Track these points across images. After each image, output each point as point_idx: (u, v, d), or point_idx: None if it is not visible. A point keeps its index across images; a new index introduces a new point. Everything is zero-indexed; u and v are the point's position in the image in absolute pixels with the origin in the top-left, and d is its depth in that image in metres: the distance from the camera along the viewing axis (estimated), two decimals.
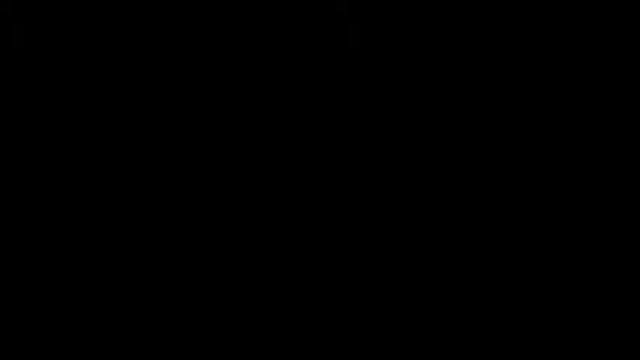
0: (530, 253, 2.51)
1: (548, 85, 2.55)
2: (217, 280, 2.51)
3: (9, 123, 2.53)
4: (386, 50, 2.53)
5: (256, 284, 2.51)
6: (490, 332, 2.48)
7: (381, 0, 2.56)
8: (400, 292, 2.50)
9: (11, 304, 2.48)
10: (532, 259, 2.51)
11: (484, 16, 2.55)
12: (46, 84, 2.55)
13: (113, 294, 2.49)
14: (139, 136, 2.54)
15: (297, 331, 2.49)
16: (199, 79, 2.55)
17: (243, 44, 2.56)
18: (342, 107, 2.55)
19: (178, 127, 2.54)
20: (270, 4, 2.56)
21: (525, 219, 2.52)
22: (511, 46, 2.55)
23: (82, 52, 2.56)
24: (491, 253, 2.51)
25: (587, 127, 2.54)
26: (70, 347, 2.48)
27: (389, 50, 2.53)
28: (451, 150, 2.53)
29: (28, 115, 2.54)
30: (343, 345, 2.49)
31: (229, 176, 2.53)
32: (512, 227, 2.52)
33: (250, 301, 2.50)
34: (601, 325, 2.47)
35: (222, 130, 2.54)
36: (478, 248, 2.51)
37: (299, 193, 2.53)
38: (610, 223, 2.51)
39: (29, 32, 2.52)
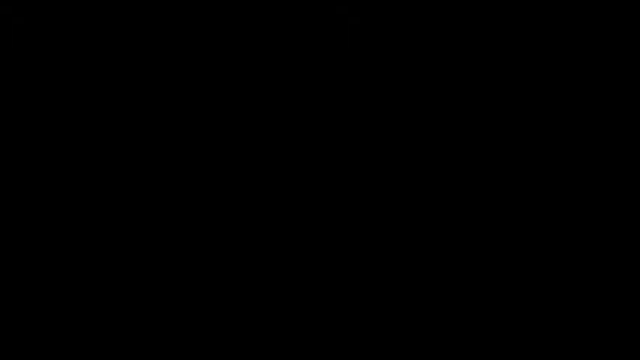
0: (530, 252, 2.51)
1: (546, 73, 2.55)
2: (217, 280, 2.51)
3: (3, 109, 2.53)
4: (385, 26, 2.52)
5: (256, 284, 2.51)
6: (490, 332, 2.48)
7: None
8: (400, 291, 2.50)
9: (11, 304, 2.48)
10: (532, 259, 2.51)
11: None
12: (44, 66, 2.54)
13: (113, 294, 2.49)
14: (136, 131, 2.54)
15: (297, 331, 2.49)
16: (190, 52, 2.55)
17: (239, 23, 2.55)
18: (337, 83, 2.54)
19: (175, 105, 2.54)
20: None
21: (523, 214, 2.52)
22: (506, 26, 2.55)
23: (80, 41, 2.55)
24: (489, 248, 2.51)
25: (583, 127, 2.54)
26: (70, 347, 2.47)
27: (388, 26, 2.52)
28: (451, 131, 2.53)
29: (23, 103, 2.54)
30: (343, 345, 2.49)
31: (222, 155, 2.53)
32: (509, 221, 2.52)
33: (250, 301, 2.50)
34: (601, 325, 2.47)
35: (217, 108, 2.54)
36: (474, 240, 2.51)
37: (295, 170, 2.52)
38: (610, 223, 2.51)
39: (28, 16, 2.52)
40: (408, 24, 2.57)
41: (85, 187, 2.52)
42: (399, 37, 2.56)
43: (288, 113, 2.55)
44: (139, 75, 2.56)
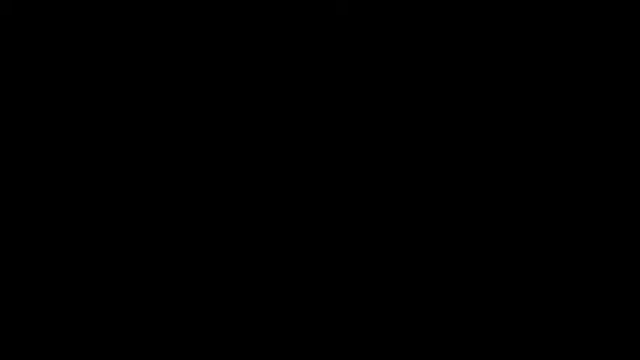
0: (530, 253, 2.51)
1: (540, 67, 2.55)
2: (217, 280, 2.51)
3: None
4: (374, 17, 2.51)
5: (256, 284, 2.51)
6: (490, 332, 2.48)
7: None
8: (399, 291, 2.50)
9: (11, 304, 2.48)
10: (532, 259, 2.51)
11: None
12: (34, 54, 2.55)
13: (113, 294, 2.49)
14: (135, 130, 2.54)
15: (297, 331, 2.49)
16: (189, 51, 2.55)
17: (228, 13, 2.55)
18: (330, 75, 2.53)
19: (173, 103, 2.54)
20: None
21: (523, 214, 2.52)
22: (498, 20, 2.55)
23: (73, 24, 2.55)
24: (489, 248, 2.51)
25: (583, 127, 2.54)
26: (70, 347, 2.48)
27: (378, 17, 2.51)
28: (439, 119, 2.52)
29: (15, 88, 2.54)
30: (342, 345, 2.49)
31: (220, 154, 2.53)
32: (509, 221, 2.52)
33: (250, 301, 2.51)
34: (601, 325, 2.47)
35: (215, 107, 2.54)
36: (474, 239, 2.51)
37: (286, 161, 2.52)
38: (610, 223, 2.51)
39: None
40: (407, 22, 2.56)
41: (84, 187, 2.53)
42: (389, 5, 2.55)
43: (273, 82, 2.54)
44: (138, 74, 2.56)
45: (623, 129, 2.53)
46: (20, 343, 2.47)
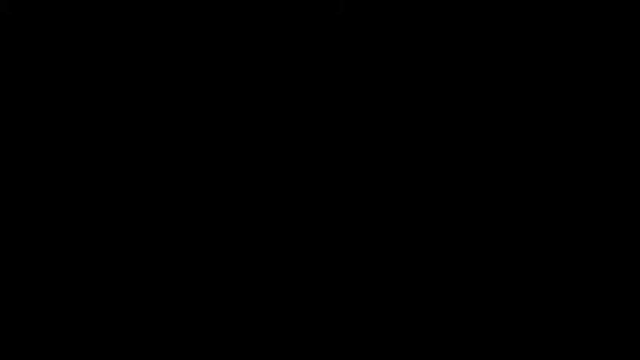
0: (529, 252, 2.50)
1: (541, 68, 2.54)
2: (217, 280, 2.51)
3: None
4: (375, 17, 2.51)
5: (255, 284, 2.51)
6: (489, 332, 2.48)
7: None
8: (399, 291, 2.50)
9: (11, 304, 2.49)
10: (531, 259, 2.50)
11: None
12: (36, 53, 2.55)
13: (113, 294, 2.50)
14: (135, 131, 2.55)
15: (297, 331, 2.49)
16: (182, 43, 2.55)
17: (228, 12, 2.55)
18: (330, 75, 2.53)
19: (173, 103, 2.55)
20: None
21: (523, 214, 2.51)
22: (496, 18, 2.55)
23: (73, 22, 2.56)
24: (489, 248, 2.51)
25: (583, 127, 2.53)
26: (69, 347, 2.48)
27: (378, 17, 2.51)
28: (439, 118, 2.52)
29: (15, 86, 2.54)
30: (341, 345, 2.49)
31: (219, 154, 2.53)
32: (508, 221, 2.51)
33: (250, 301, 2.51)
34: (601, 325, 2.46)
35: (208, 101, 2.54)
36: (474, 240, 2.51)
37: (286, 161, 2.52)
38: (610, 223, 2.50)
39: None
40: (407, 22, 2.56)
41: (84, 187, 2.53)
42: (390, 4, 2.55)
43: (273, 83, 2.54)
44: (138, 74, 2.56)
45: (623, 129, 2.52)
46: (20, 343, 2.47)
